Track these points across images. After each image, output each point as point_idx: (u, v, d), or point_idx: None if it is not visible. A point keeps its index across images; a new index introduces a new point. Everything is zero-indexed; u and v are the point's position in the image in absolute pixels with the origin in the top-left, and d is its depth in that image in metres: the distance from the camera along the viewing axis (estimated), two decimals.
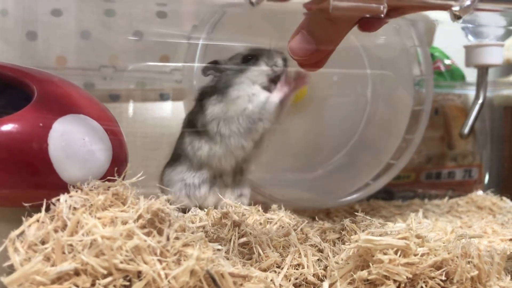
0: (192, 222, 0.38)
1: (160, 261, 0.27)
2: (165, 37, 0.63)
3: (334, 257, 0.33)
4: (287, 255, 0.34)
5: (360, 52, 0.66)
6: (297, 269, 0.33)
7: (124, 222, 0.28)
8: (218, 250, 0.29)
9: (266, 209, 0.48)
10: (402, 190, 0.75)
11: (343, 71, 0.68)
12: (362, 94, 0.68)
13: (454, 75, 0.78)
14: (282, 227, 0.39)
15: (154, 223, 0.29)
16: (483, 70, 0.66)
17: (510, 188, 0.77)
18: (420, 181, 0.76)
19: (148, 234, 0.28)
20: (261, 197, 0.59)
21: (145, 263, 0.27)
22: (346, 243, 0.34)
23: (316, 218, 0.59)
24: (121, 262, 0.26)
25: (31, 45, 0.60)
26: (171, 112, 0.76)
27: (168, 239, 0.28)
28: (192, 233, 0.29)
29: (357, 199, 0.63)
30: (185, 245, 0.28)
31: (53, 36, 0.60)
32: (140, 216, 0.29)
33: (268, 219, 0.41)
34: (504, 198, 0.70)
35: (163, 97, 0.68)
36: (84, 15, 0.62)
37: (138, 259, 0.27)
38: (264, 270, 0.33)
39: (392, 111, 0.66)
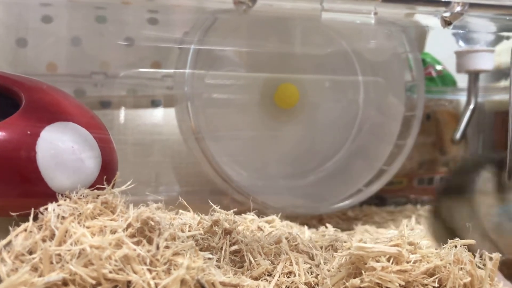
0: (182, 231, 0.37)
1: (150, 271, 0.27)
2: (156, 43, 0.63)
3: (326, 264, 0.33)
4: (279, 263, 0.33)
5: (351, 58, 0.66)
6: (288, 277, 0.32)
7: (113, 231, 0.28)
8: (209, 258, 0.29)
9: (258, 216, 0.48)
10: (395, 196, 0.75)
11: (335, 77, 0.68)
12: (354, 100, 0.68)
13: (446, 80, 0.79)
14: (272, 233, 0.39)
15: (143, 232, 0.29)
16: (474, 76, 0.66)
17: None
18: (412, 187, 0.76)
19: (137, 243, 0.28)
20: (254, 204, 0.59)
21: (135, 272, 0.27)
22: (338, 251, 0.34)
23: (309, 225, 0.59)
24: (110, 272, 0.26)
25: (21, 52, 0.59)
26: (163, 119, 0.76)
27: (158, 248, 0.27)
28: (183, 241, 0.29)
29: (349, 205, 0.63)
30: (176, 254, 0.28)
31: (43, 43, 0.60)
32: (129, 225, 0.28)
33: (260, 227, 0.40)
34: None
35: (154, 104, 0.68)
36: (75, 22, 0.61)
37: (127, 269, 0.26)
38: (256, 278, 0.33)
39: (384, 117, 0.66)
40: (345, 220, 0.65)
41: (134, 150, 0.74)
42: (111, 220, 0.29)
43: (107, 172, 0.34)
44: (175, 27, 0.64)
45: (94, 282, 0.26)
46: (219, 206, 0.40)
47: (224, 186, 0.60)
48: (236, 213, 0.53)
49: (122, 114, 0.74)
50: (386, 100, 0.66)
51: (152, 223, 0.29)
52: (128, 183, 0.32)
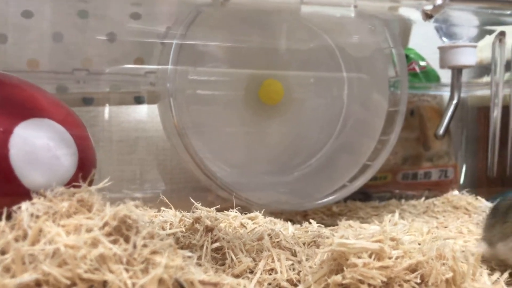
0: (163, 229, 0.36)
1: (126, 270, 0.26)
2: (139, 38, 0.62)
3: (308, 261, 0.33)
4: (261, 260, 0.33)
5: (336, 53, 0.66)
6: (270, 274, 0.32)
7: (89, 230, 0.27)
8: (189, 257, 0.28)
9: (241, 213, 0.47)
10: (379, 191, 0.75)
11: (319, 73, 0.68)
12: (338, 96, 0.68)
13: (429, 76, 0.79)
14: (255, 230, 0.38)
15: (121, 230, 0.28)
16: (457, 71, 0.66)
17: (485, 187, 0.78)
18: (396, 182, 0.76)
19: (114, 242, 0.27)
20: (238, 200, 0.58)
21: (111, 272, 0.26)
22: (321, 247, 0.33)
23: (294, 220, 0.59)
24: (86, 272, 0.25)
25: (1, 48, 0.58)
26: (147, 116, 0.75)
27: (135, 246, 0.27)
28: (162, 240, 0.28)
29: (334, 201, 0.63)
30: (153, 252, 0.27)
31: (24, 38, 0.59)
32: (106, 224, 0.28)
33: (243, 224, 0.40)
34: (479, 197, 0.70)
35: (138, 100, 0.67)
36: (56, 17, 0.60)
37: (103, 268, 0.26)
38: (237, 276, 0.32)
39: (367, 112, 0.66)
40: (330, 216, 0.64)
41: (118, 147, 0.73)
42: (87, 218, 0.28)
43: (84, 170, 0.33)
44: (159, 21, 0.63)
45: (68, 282, 0.25)
46: (200, 203, 0.40)
47: (208, 183, 0.59)
48: (221, 210, 0.52)
49: (106, 111, 0.73)
50: (370, 96, 0.66)
51: (129, 221, 0.28)
52: (105, 180, 0.31)
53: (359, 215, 0.64)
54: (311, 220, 0.50)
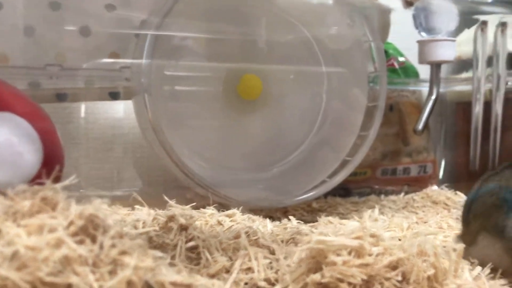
0: (136, 228, 0.35)
1: (93, 272, 0.25)
2: (114, 31, 0.61)
3: (286, 259, 0.31)
4: (237, 258, 0.32)
5: (314, 48, 0.65)
6: (247, 274, 0.31)
7: (52, 230, 0.25)
8: (160, 257, 0.27)
9: (219, 210, 0.46)
10: (359, 187, 0.75)
11: (298, 68, 0.67)
12: (318, 91, 0.67)
13: (408, 72, 0.79)
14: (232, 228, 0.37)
15: (87, 230, 0.26)
16: (435, 66, 0.66)
17: (464, 182, 0.78)
18: (376, 177, 0.76)
19: (80, 242, 0.26)
20: (216, 198, 0.57)
21: (76, 274, 0.24)
22: (299, 244, 0.32)
23: (273, 217, 0.58)
24: (48, 275, 0.24)
25: None
26: (123, 112, 0.73)
27: (102, 247, 0.25)
28: (132, 239, 0.26)
29: (314, 197, 0.62)
30: (122, 253, 0.25)
31: None
32: (71, 223, 0.26)
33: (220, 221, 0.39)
34: (458, 192, 0.70)
35: (113, 96, 0.65)
36: (27, 9, 0.58)
37: (67, 271, 0.24)
38: (213, 276, 0.31)
39: (347, 108, 0.65)
40: (310, 212, 0.64)
41: (94, 145, 0.72)
42: (51, 218, 0.26)
43: (49, 166, 0.31)
44: (135, 13, 0.61)
45: (28, 287, 0.23)
46: (175, 201, 0.38)
47: (186, 180, 0.58)
48: (198, 207, 0.51)
49: (81, 107, 0.71)
50: (349, 91, 0.66)
51: (96, 220, 0.26)
52: (71, 178, 0.30)
53: (339, 211, 0.63)
54: (290, 217, 0.49)
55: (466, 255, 0.34)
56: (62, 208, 0.27)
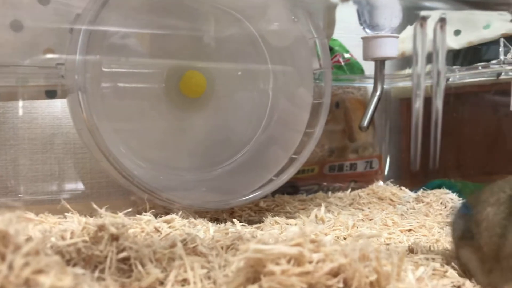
0: (63, 239, 0.32)
1: None
2: (47, 26, 0.57)
3: (224, 268, 0.30)
4: (172, 269, 0.29)
5: (260, 45, 0.64)
6: (182, 286, 0.29)
7: None
8: (82, 274, 0.24)
9: (156, 216, 0.44)
10: (307, 184, 0.74)
11: (243, 65, 0.65)
12: (264, 89, 0.66)
13: (354, 68, 0.79)
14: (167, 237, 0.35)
15: None
16: (380, 63, 0.67)
17: (408, 178, 0.80)
18: (323, 174, 0.75)
19: None
20: (158, 201, 0.55)
21: None
22: (238, 252, 0.31)
23: (220, 219, 0.56)
24: None
25: None
26: (62, 111, 0.69)
27: (11, 267, 0.22)
28: (48, 256, 0.24)
29: (261, 196, 0.61)
30: (37, 271, 0.23)
31: None
32: None
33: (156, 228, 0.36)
34: (403, 188, 0.71)
35: (49, 95, 0.62)
36: None
37: None
38: None
39: (293, 105, 0.64)
40: (258, 212, 0.62)
41: (31, 146, 0.68)
42: None
43: None
44: (70, 6, 0.58)
45: None
46: (105, 208, 0.36)
47: (125, 183, 0.55)
48: (140, 212, 0.48)
49: (16, 106, 0.67)
50: (294, 88, 0.65)
51: (7, 236, 0.23)
52: None
53: (286, 210, 0.62)
54: (234, 220, 0.47)
55: None
56: None
